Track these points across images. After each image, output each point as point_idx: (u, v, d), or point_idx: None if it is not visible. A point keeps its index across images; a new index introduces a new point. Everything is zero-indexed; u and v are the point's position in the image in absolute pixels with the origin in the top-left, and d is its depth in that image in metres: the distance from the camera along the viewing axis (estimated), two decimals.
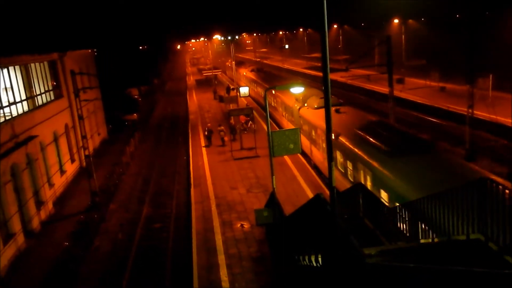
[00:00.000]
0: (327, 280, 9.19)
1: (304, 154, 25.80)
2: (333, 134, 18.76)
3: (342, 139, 18.72)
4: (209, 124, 35.63)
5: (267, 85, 41.05)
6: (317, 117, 23.40)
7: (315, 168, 24.46)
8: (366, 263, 6.94)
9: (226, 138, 31.06)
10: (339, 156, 19.16)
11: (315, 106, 24.64)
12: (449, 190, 8.36)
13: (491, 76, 36.27)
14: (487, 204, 7.33)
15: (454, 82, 44.01)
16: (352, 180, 17.56)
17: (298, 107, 27.56)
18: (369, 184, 15.52)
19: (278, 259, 14.33)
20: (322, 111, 25.89)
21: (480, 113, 29.12)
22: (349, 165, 17.90)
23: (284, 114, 32.66)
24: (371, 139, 16.73)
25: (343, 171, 18.75)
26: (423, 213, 9.49)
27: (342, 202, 13.69)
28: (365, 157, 16.23)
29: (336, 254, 8.34)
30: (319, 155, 23.13)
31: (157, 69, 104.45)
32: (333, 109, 22.15)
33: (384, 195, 14.31)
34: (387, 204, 12.98)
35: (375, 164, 15.33)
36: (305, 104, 26.50)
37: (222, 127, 32.12)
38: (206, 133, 32.02)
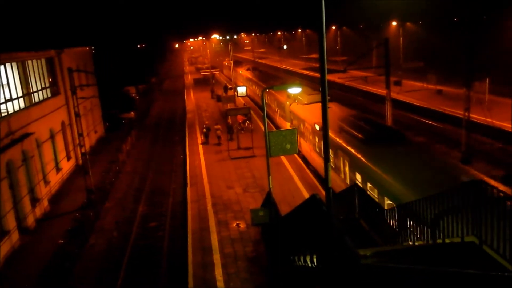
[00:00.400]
0: (322, 280, 9.21)
1: None
2: (317, 126, 21.91)
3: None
4: (207, 122, 36.06)
5: (262, 84, 41.38)
6: (305, 112, 25.47)
7: (303, 158, 26.08)
8: (361, 264, 6.96)
9: (222, 137, 31.48)
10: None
11: (304, 102, 26.83)
12: (443, 192, 8.40)
13: (487, 79, 36.43)
14: (482, 207, 7.38)
15: (451, 85, 44.18)
16: (333, 166, 19.17)
17: (289, 103, 29.60)
18: (346, 169, 17.59)
19: (274, 259, 14.34)
20: (310, 106, 26.98)
21: (477, 117, 29.24)
22: (331, 153, 19.23)
23: (276, 110, 34.28)
24: (350, 129, 18.48)
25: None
26: (418, 215, 9.53)
27: (338, 202, 13.73)
28: (344, 145, 18.13)
29: (331, 255, 8.36)
30: (306, 147, 25.05)
31: (155, 68, 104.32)
32: (320, 104, 23.79)
33: (359, 177, 16.17)
34: (360, 184, 14.83)
35: (352, 151, 17.15)
36: (295, 100, 28.55)
37: (219, 126, 32.66)
38: (204, 130, 32.99)
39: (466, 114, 25.06)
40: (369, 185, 15.15)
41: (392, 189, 13.61)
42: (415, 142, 19.09)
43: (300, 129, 25.74)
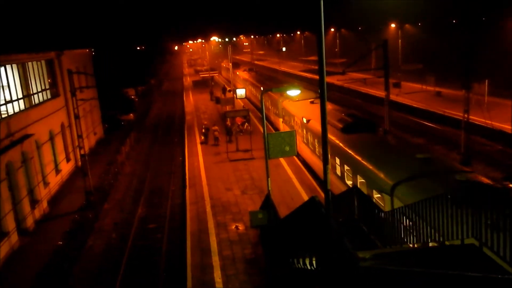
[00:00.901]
0: (321, 282, 9.20)
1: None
2: (305, 119, 24.76)
3: (312, 122, 23.68)
4: (206, 122, 36.65)
5: (259, 84, 41.77)
6: (295, 108, 28.16)
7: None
8: (360, 266, 6.95)
9: (219, 138, 32.14)
10: (309, 136, 24.01)
11: (296, 99, 28.21)
12: (443, 194, 8.41)
13: (487, 81, 36.51)
14: (481, 209, 7.37)
15: (450, 87, 44.25)
16: (317, 154, 22.30)
17: (281, 100, 31.94)
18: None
19: (272, 261, 14.33)
20: (300, 102, 28.98)
21: (476, 118, 29.28)
22: (316, 142, 22.50)
23: (270, 107, 36.62)
24: (332, 120, 20.88)
25: (311, 147, 23.73)
26: (417, 217, 9.53)
27: (337, 205, 13.73)
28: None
29: (330, 257, 8.36)
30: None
31: (154, 70, 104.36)
32: (308, 101, 27.69)
33: (338, 161, 18.97)
34: (338, 166, 18.52)
35: (333, 138, 19.45)
36: (287, 98, 30.51)
37: (216, 127, 33.36)
38: (203, 130, 33.86)
39: (466, 115, 25.09)
40: (345, 166, 17.98)
41: (363, 168, 16.12)
42: (384, 130, 22.82)
43: (291, 123, 28.79)
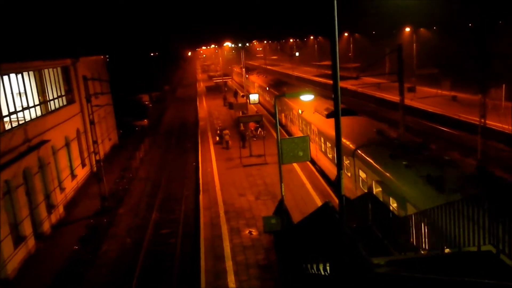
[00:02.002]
0: None
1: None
2: (300, 110, 29.91)
3: (304, 113, 28.93)
4: (220, 124, 38.89)
5: (273, 90, 42.06)
6: (293, 103, 32.34)
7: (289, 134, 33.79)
8: (374, 273, 6.88)
9: (230, 142, 32.77)
10: (302, 124, 29.52)
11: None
12: (460, 200, 8.28)
13: (504, 86, 35.94)
14: (499, 215, 7.24)
15: (466, 92, 43.66)
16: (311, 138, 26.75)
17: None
18: (312, 136, 26.07)
19: (286, 266, 14.26)
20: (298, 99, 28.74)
21: (493, 123, 28.82)
22: (307, 128, 28.01)
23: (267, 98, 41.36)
24: (319, 109, 26.39)
25: (303, 132, 29.13)
26: (433, 223, 9.40)
27: (351, 210, 13.63)
28: (313, 121, 26.69)
29: (344, 263, 8.28)
30: (294, 128, 32.96)
31: (168, 76, 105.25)
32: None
33: (322, 141, 24.05)
34: (322, 145, 23.97)
35: (318, 122, 25.58)
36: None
37: (227, 131, 34.18)
38: (218, 132, 35.92)
39: (482, 120, 24.72)
40: (328, 144, 22.95)
41: (344, 145, 19.21)
42: (363, 116, 26.80)
43: (290, 116, 34.13)
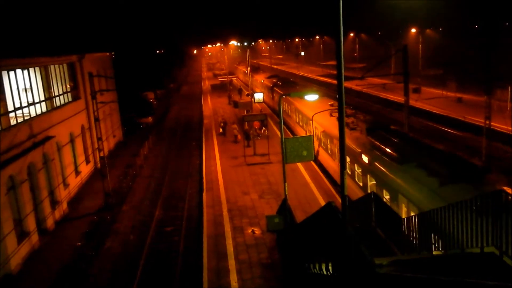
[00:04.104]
0: None
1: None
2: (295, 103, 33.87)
3: (298, 106, 32.50)
4: (223, 116, 40.74)
5: (278, 90, 42.17)
6: (294, 100, 34.96)
7: (289, 128, 36.35)
8: (377, 273, 6.88)
9: (239, 137, 33.76)
10: (299, 116, 32.95)
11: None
12: (463, 201, 8.25)
13: (510, 87, 35.73)
14: (502, 217, 7.21)
15: (472, 93, 43.44)
16: (299, 128, 32.55)
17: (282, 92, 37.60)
18: (304, 126, 30.32)
19: (288, 265, 14.27)
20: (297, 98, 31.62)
21: (498, 125, 28.68)
22: (302, 118, 31.44)
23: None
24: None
25: (299, 123, 32.80)
26: (436, 224, 9.38)
27: (354, 211, 13.62)
28: (307, 112, 29.41)
29: (346, 263, 8.29)
30: (291, 120, 36.12)
31: (173, 73, 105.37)
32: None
33: (311, 129, 27.48)
34: (312, 130, 27.23)
35: (310, 116, 27.75)
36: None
37: (235, 126, 35.70)
38: (221, 124, 37.74)
39: (487, 122, 24.59)
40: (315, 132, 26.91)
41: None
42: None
43: (287, 108, 37.29)
